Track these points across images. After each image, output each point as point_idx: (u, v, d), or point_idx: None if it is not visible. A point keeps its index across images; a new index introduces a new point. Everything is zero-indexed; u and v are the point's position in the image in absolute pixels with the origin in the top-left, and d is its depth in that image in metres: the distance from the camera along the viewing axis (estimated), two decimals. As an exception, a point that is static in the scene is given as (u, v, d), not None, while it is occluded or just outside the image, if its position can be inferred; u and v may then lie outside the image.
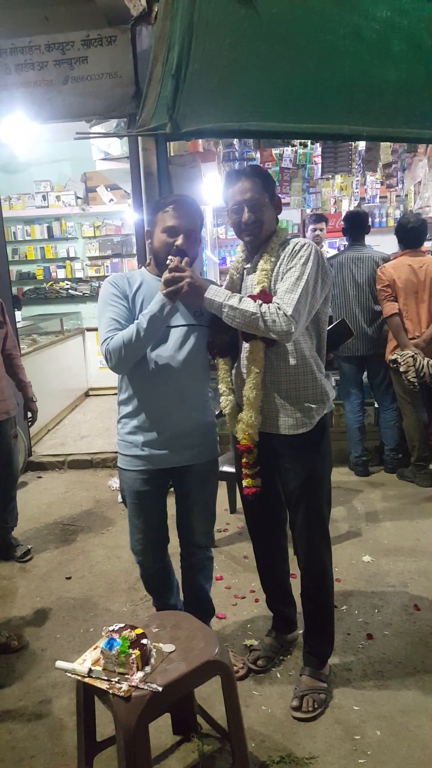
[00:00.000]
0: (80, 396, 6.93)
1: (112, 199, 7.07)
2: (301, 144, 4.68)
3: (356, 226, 4.18)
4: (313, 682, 2.08)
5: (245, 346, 2.00)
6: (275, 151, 4.73)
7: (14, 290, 6.77)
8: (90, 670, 1.54)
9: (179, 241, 1.93)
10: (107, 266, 7.36)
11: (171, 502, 2.16)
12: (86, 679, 1.53)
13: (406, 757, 1.82)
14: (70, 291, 7.39)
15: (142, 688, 1.47)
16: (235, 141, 4.49)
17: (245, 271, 2.09)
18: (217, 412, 2.23)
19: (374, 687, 2.13)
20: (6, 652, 2.45)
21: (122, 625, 1.60)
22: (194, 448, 2.07)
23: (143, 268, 2.12)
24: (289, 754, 1.85)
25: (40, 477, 4.60)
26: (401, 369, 3.75)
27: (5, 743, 1.99)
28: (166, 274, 1.87)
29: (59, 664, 1.58)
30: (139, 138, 3.64)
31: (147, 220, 2.16)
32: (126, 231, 7.24)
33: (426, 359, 3.72)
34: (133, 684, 1.48)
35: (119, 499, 3.78)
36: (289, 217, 6.37)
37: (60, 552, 3.35)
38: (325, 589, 2.13)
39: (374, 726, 1.95)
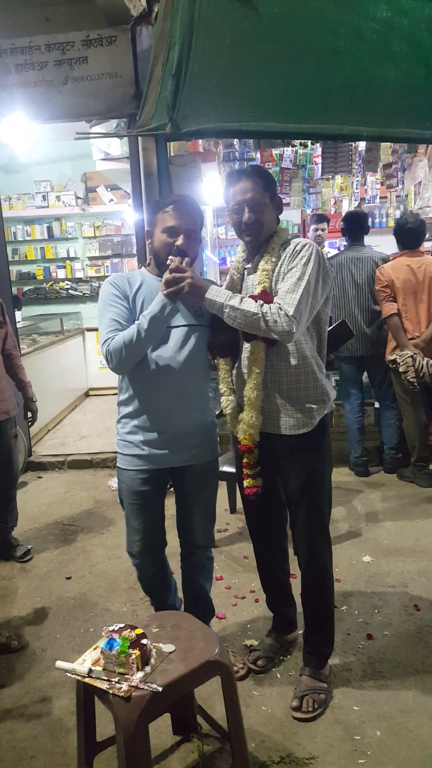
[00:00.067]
0: (80, 396, 6.94)
1: (112, 199, 7.07)
2: (301, 144, 4.68)
3: (355, 226, 4.19)
4: (313, 682, 2.08)
5: (246, 346, 2.00)
6: (275, 152, 4.73)
7: (14, 290, 6.78)
8: (90, 670, 1.54)
9: (179, 241, 1.92)
10: (107, 266, 7.36)
11: (170, 503, 2.16)
12: (86, 679, 1.53)
13: (406, 757, 1.82)
14: (70, 291, 7.39)
15: (142, 688, 1.47)
16: (235, 141, 4.49)
17: (246, 271, 2.09)
18: (217, 412, 2.23)
19: (374, 687, 2.13)
20: (6, 652, 2.45)
21: (122, 625, 1.60)
22: (194, 448, 2.07)
23: (143, 268, 2.12)
24: (289, 754, 1.85)
25: (40, 477, 4.60)
26: (400, 369, 3.75)
27: (5, 743, 1.99)
28: (167, 275, 1.87)
29: (59, 664, 1.58)
30: (139, 138, 3.64)
31: (147, 220, 2.16)
32: (126, 231, 7.24)
33: (425, 359, 3.72)
34: (133, 684, 1.48)
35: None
36: (290, 217, 6.37)
37: (60, 552, 3.35)
38: (325, 589, 2.13)
39: (374, 726, 1.95)
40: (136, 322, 1.90)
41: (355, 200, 5.37)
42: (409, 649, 2.32)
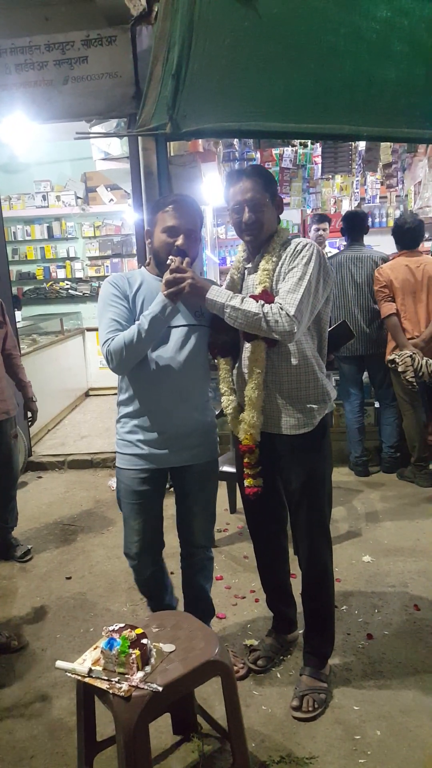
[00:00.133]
0: (80, 396, 6.93)
1: (112, 199, 7.07)
2: (301, 144, 4.68)
3: (355, 226, 4.19)
4: (313, 682, 2.08)
5: (246, 346, 2.00)
6: (275, 151, 4.72)
7: (14, 290, 6.77)
8: (90, 670, 1.54)
9: (179, 241, 1.92)
10: (107, 266, 7.36)
11: (169, 503, 2.16)
12: (86, 679, 1.53)
13: (406, 757, 1.82)
14: (70, 291, 7.39)
15: (142, 688, 1.47)
16: (235, 141, 4.49)
17: (246, 271, 2.08)
18: (217, 412, 2.23)
19: (374, 687, 2.13)
20: (6, 652, 2.45)
21: (122, 625, 1.60)
22: (194, 448, 2.06)
23: (143, 267, 2.12)
24: (289, 754, 1.85)
25: (40, 477, 4.60)
26: (399, 369, 3.75)
27: (5, 743, 1.98)
28: (168, 275, 1.86)
29: (59, 664, 1.58)
30: (139, 138, 3.64)
31: (147, 219, 2.16)
32: (126, 231, 7.24)
33: (424, 359, 3.72)
34: (133, 684, 1.48)
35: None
36: (290, 217, 6.37)
37: (60, 552, 3.35)
38: (325, 589, 2.13)
39: (374, 726, 1.95)
40: (137, 322, 1.90)
41: (355, 200, 5.37)
42: (409, 649, 2.32)
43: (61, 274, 7.45)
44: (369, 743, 1.88)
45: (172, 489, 2.16)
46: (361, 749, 1.86)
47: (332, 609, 2.17)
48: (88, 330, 7.09)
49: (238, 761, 1.68)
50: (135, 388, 2.01)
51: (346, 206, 5.40)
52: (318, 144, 4.66)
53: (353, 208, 4.99)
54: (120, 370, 1.98)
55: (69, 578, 3.05)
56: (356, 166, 4.66)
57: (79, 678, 1.55)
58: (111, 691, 1.48)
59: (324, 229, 5.24)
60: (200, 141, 4.00)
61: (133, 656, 1.50)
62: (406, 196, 5.53)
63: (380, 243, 4.87)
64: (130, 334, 1.88)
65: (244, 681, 2.18)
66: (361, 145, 4.50)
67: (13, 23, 3.85)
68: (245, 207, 1.94)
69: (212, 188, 4.25)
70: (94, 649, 1.62)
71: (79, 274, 7.46)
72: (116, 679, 1.50)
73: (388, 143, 4.37)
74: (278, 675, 2.23)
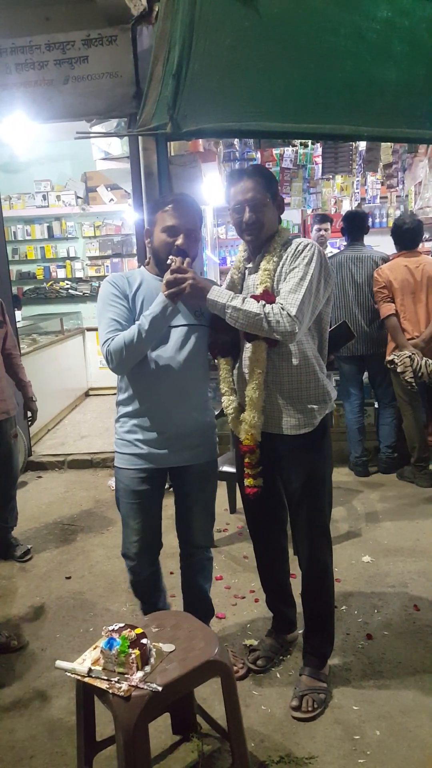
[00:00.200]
0: (80, 396, 6.93)
1: (112, 199, 7.07)
2: (301, 144, 4.68)
3: (355, 226, 4.19)
4: (312, 682, 2.08)
5: (247, 346, 2.00)
6: (276, 151, 4.73)
7: (14, 290, 6.77)
8: (90, 670, 1.54)
9: (179, 240, 1.92)
10: (107, 266, 7.36)
11: (168, 503, 2.16)
12: (86, 679, 1.53)
13: (406, 757, 1.82)
14: (70, 291, 7.39)
15: (142, 688, 1.47)
16: (236, 141, 4.49)
17: (247, 271, 2.08)
18: (216, 412, 2.23)
19: (374, 687, 2.13)
20: (6, 651, 2.45)
21: (122, 624, 1.60)
22: (194, 448, 2.06)
23: (142, 267, 2.11)
24: (288, 754, 1.85)
25: (40, 477, 4.60)
26: (398, 369, 3.75)
27: (5, 743, 1.98)
28: (168, 276, 1.86)
29: (59, 663, 1.58)
30: (140, 138, 3.64)
31: (147, 219, 2.16)
32: (126, 231, 7.24)
33: (424, 359, 3.72)
34: (132, 684, 1.48)
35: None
36: (290, 217, 6.37)
37: (60, 552, 3.35)
38: (325, 590, 2.13)
39: (374, 726, 1.95)
40: (137, 322, 1.89)
41: (356, 200, 5.37)
42: (409, 649, 2.32)
43: (61, 273, 7.45)
44: (368, 743, 1.88)
45: (171, 489, 2.16)
46: (360, 749, 1.86)
47: (332, 609, 2.17)
48: (88, 330, 7.09)
49: (238, 761, 1.68)
50: (135, 387, 2.01)
51: (347, 206, 5.39)
52: (318, 144, 4.66)
53: (353, 208, 4.99)
54: (120, 370, 1.97)
55: (69, 578, 3.05)
56: (357, 167, 4.66)
57: (79, 678, 1.55)
58: (111, 691, 1.48)
59: (326, 230, 5.24)
60: (201, 141, 4.01)
61: (133, 656, 1.50)
62: (407, 196, 5.53)
63: (380, 243, 4.87)
64: (130, 334, 1.88)
65: (243, 681, 2.18)
66: (362, 145, 4.50)
67: (14, 23, 3.85)
68: (246, 207, 1.94)
69: (212, 188, 4.25)
70: (94, 648, 1.62)
71: (79, 274, 7.46)
72: (116, 679, 1.50)
73: (389, 143, 4.38)
74: (278, 675, 2.23)
